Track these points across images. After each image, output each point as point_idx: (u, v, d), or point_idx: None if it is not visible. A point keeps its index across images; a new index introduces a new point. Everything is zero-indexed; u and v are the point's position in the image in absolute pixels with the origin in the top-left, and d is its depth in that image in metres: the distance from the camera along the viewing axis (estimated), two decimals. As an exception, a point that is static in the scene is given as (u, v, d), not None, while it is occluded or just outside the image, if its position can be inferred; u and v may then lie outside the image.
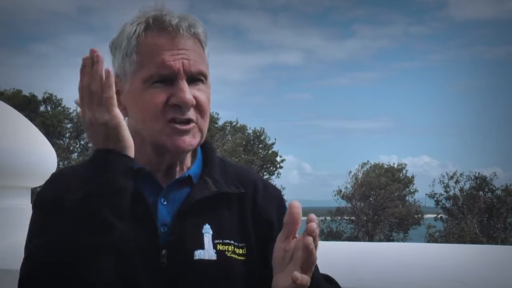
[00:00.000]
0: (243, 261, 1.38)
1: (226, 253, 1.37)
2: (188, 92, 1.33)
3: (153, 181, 1.38)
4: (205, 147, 1.49)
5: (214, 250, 1.36)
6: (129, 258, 1.30)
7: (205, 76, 1.38)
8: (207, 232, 1.37)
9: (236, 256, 1.37)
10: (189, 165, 1.45)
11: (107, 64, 1.41)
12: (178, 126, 1.33)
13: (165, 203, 1.37)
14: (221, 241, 1.37)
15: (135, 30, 1.34)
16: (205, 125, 1.39)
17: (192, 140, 1.36)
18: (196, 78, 1.36)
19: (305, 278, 1.23)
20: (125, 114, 1.37)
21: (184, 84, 1.33)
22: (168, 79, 1.33)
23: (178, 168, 1.42)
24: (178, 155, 1.39)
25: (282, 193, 1.56)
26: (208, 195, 1.39)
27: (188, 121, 1.35)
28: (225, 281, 1.35)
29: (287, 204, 1.35)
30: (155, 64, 1.32)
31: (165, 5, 1.38)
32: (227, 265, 1.36)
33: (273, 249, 1.33)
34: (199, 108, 1.36)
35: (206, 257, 1.34)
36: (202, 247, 1.35)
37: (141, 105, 1.33)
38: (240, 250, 1.39)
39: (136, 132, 1.36)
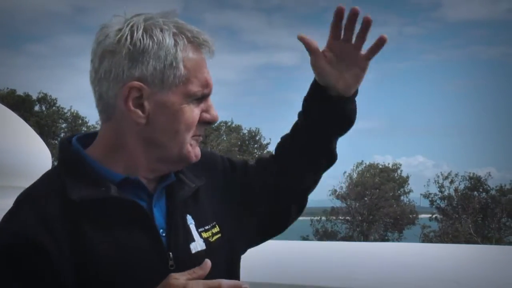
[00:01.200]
0: (220, 238, 1.46)
1: (210, 239, 1.43)
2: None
3: (140, 187, 1.38)
4: None
5: (202, 239, 1.41)
6: (138, 269, 1.31)
7: None
8: (191, 222, 1.42)
9: (216, 237, 1.45)
10: None
11: (87, 64, 1.38)
12: (197, 137, 1.40)
13: (155, 206, 1.39)
14: (203, 228, 1.43)
15: (176, 41, 1.33)
16: None
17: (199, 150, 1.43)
18: None
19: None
20: (143, 122, 1.34)
21: (211, 102, 1.40)
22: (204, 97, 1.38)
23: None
24: (185, 165, 1.43)
25: None
26: (193, 192, 1.45)
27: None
28: (215, 266, 1.37)
29: None
30: (200, 82, 1.35)
31: (177, 10, 1.38)
32: (214, 250, 1.42)
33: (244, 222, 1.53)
34: None
35: (199, 248, 1.39)
36: (193, 239, 1.40)
37: (179, 118, 1.34)
38: (215, 229, 1.46)
39: (152, 142, 1.36)
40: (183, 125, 1.35)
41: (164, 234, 1.36)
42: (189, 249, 1.38)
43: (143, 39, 1.32)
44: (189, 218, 1.42)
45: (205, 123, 1.39)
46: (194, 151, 1.39)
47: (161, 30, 1.33)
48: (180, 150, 1.37)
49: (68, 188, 1.33)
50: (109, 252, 1.29)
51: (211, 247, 1.42)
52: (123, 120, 1.36)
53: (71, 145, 1.42)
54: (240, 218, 1.54)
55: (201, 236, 1.42)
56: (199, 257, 1.33)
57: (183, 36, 1.34)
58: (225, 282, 1.25)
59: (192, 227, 1.42)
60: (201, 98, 1.37)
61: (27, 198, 1.36)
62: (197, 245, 1.40)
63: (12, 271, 1.26)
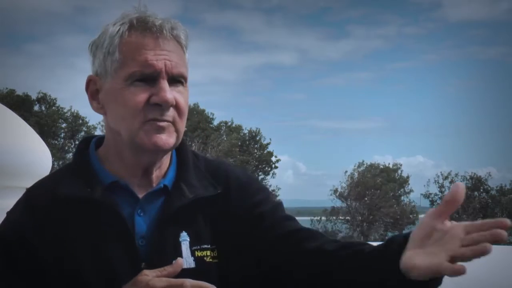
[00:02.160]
0: (216, 263, 1.38)
1: (205, 258, 1.37)
2: (169, 92, 1.33)
3: (129, 192, 1.37)
4: (179, 148, 1.47)
5: (193, 258, 1.36)
6: (110, 275, 1.30)
7: (185, 79, 1.38)
8: (184, 239, 1.37)
9: (212, 260, 1.38)
10: (165, 170, 1.44)
11: (87, 64, 1.42)
12: (156, 122, 1.33)
13: (142, 214, 1.37)
14: (198, 247, 1.38)
15: (119, 29, 1.35)
16: (182, 127, 1.39)
17: (168, 139, 1.35)
18: (176, 80, 1.36)
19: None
20: (103, 113, 1.39)
21: (165, 84, 1.33)
22: (150, 79, 1.33)
23: (155, 173, 1.41)
24: (156, 154, 1.37)
25: (277, 194, 1.55)
26: (185, 203, 1.38)
27: (166, 121, 1.35)
28: None
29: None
30: (138, 63, 1.32)
31: (147, 7, 1.39)
32: (207, 271, 1.36)
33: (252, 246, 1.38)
34: (177, 109, 1.36)
35: (185, 266, 1.32)
36: (180, 256, 1.34)
37: (121, 102, 1.33)
38: (213, 252, 1.39)
39: (115, 131, 1.37)
40: (125, 108, 1.33)
41: (142, 244, 1.34)
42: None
43: (101, 36, 1.38)
44: (183, 235, 1.37)
45: (156, 105, 1.33)
46: (150, 137, 1.33)
47: (114, 23, 1.37)
48: (130, 135, 1.33)
49: (61, 187, 1.36)
50: (85, 255, 1.31)
51: (204, 266, 1.36)
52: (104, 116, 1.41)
53: (86, 145, 1.45)
54: (247, 257, 1.40)
55: (193, 254, 1.36)
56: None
57: (127, 24, 1.35)
58: (188, 281, 1.23)
59: (185, 243, 1.37)
60: (145, 80, 1.33)
61: (26, 194, 1.42)
62: (185, 262, 1.32)
63: (2, 265, 1.33)
